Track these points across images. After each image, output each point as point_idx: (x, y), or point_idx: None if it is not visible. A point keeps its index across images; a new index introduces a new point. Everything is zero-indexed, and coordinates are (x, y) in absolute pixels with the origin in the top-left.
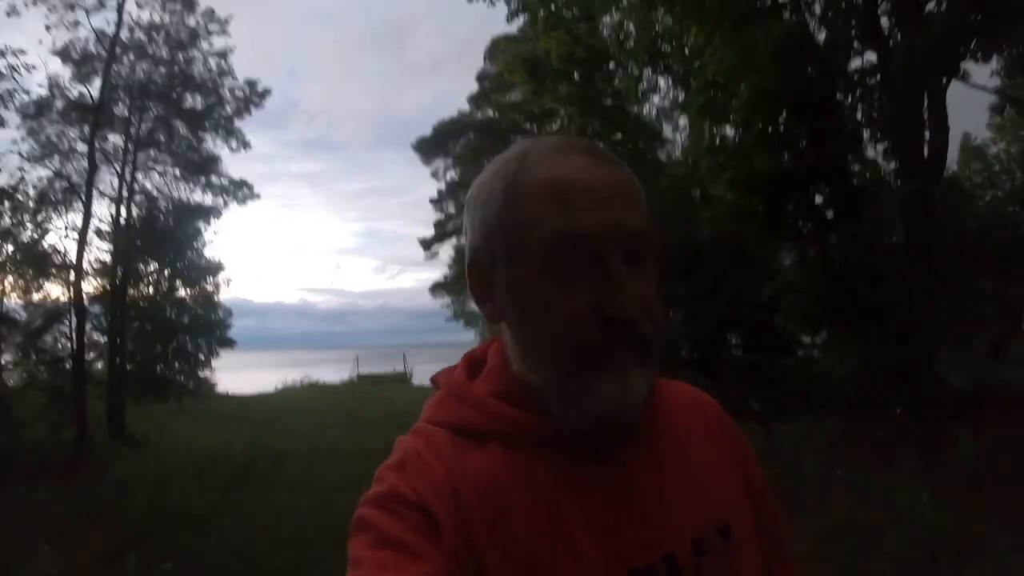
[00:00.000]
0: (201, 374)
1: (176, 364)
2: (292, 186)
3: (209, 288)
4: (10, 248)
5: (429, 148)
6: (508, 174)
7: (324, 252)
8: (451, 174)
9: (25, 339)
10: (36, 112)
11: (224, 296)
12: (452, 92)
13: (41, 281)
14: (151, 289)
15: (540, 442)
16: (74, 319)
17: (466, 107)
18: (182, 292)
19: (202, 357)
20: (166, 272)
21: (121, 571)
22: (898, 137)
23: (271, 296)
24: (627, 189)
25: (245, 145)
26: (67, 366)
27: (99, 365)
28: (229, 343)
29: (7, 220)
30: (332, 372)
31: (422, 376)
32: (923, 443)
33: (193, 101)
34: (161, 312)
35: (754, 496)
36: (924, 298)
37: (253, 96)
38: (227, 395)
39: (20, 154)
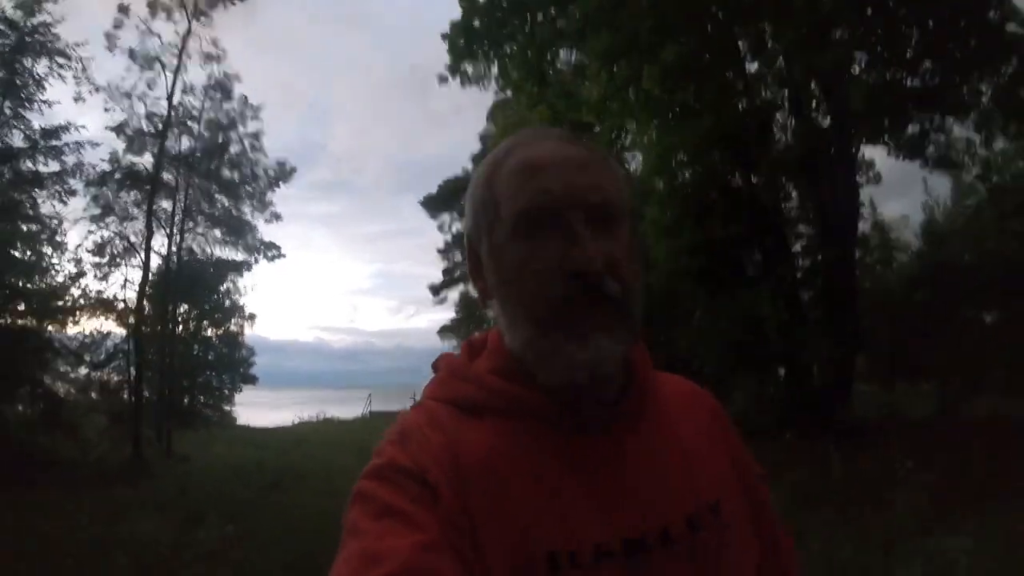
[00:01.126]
0: (225, 407)
1: (201, 398)
2: (310, 227)
3: (234, 329)
4: (76, 293)
5: (435, 204)
6: (492, 163)
7: (340, 292)
8: (456, 226)
9: (89, 371)
10: (99, 181)
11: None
12: (471, 138)
13: (102, 322)
14: (180, 328)
15: (537, 416)
16: (131, 355)
17: (469, 164)
18: (209, 332)
19: (226, 392)
20: (192, 313)
21: (197, 533)
22: (816, 211)
23: (287, 334)
24: (592, 163)
25: (276, 217)
26: (123, 395)
27: (146, 394)
28: (251, 379)
29: (72, 269)
30: (346, 410)
31: None
32: (801, 461)
33: (231, 174)
34: (190, 350)
35: (744, 481)
36: (803, 345)
37: (282, 175)
38: (248, 427)
39: (90, 218)
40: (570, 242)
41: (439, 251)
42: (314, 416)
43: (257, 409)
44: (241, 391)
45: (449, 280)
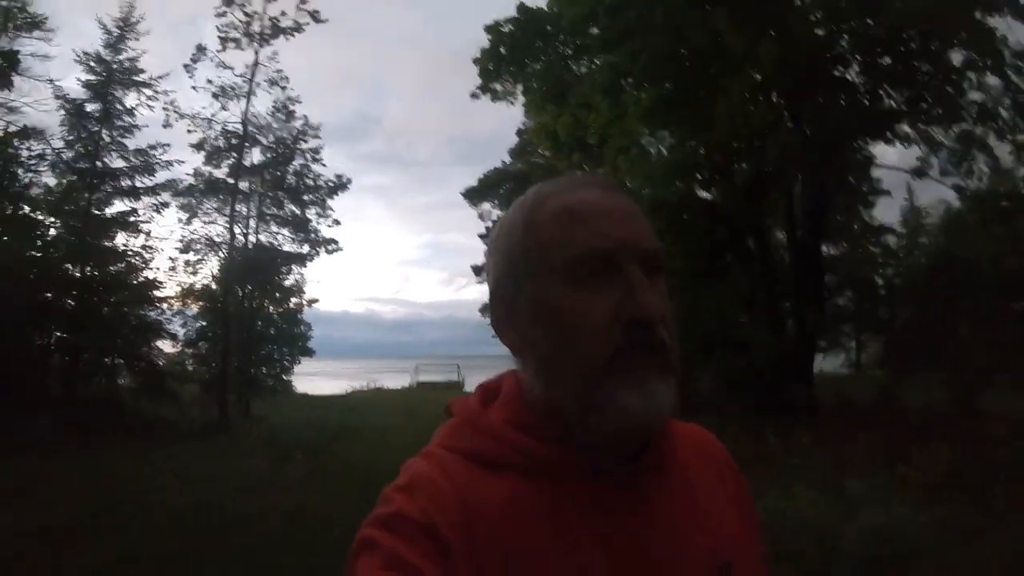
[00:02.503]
0: (285, 378)
1: (264, 369)
2: (362, 199)
3: (293, 307)
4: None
5: (475, 195)
6: (527, 208)
7: (391, 263)
8: (495, 213)
9: (184, 346)
10: (187, 192)
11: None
12: (519, 112)
13: (192, 304)
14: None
15: (555, 472)
16: (220, 334)
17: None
18: (271, 310)
19: (287, 363)
20: (260, 297)
21: (286, 467)
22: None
23: (338, 306)
24: (638, 213)
25: (336, 222)
26: (212, 365)
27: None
28: (309, 352)
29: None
30: (396, 380)
31: (472, 384)
32: (738, 433)
33: (296, 183)
34: (257, 327)
35: (753, 535)
36: (751, 336)
37: (339, 186)
38: (307, 395)
39: (179, 219)
40: (628, 290)
41: (480, 236)
42: (365, 386)
43: (313, 380)
44: (300, 363)
45: None
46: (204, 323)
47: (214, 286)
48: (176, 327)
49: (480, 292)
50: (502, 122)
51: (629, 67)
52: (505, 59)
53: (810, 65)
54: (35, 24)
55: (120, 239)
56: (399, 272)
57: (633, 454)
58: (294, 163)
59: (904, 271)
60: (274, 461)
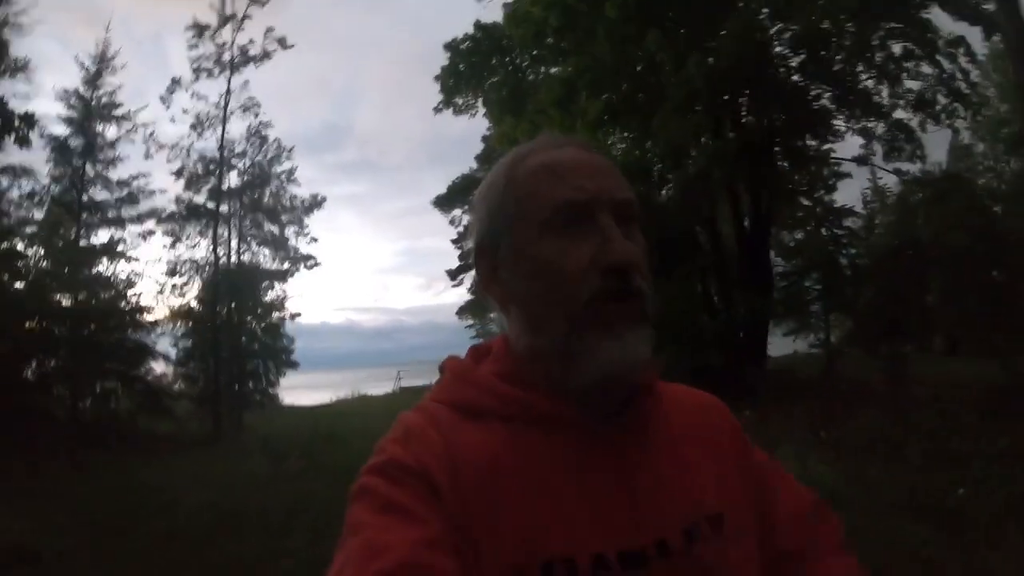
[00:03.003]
0: (271, 391)
1: (251, 383)
2: (336, 210)
3: (276, 322)
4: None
5: (445, 202)
6: (507, 166)
7: (368, 271)
8: (466, 218)
9: (176, 366)
10: (169, 218)
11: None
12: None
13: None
14: (235, 324)
15: (541, 421)
16: (209, 352)
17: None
18: (254, 326)
19: (272, 377)
20: (243, 313)
21: (284, 466)
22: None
23: (316, 317)
24: (612, 167)
25: (313, 240)
26: (200, 382)
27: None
28: (293, 364)
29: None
30: (379, 387)
31: None
32: None
33: (272, 204)
34: (241, 343)
35: (757, 485)
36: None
37: (314, 204)
38: (293, 406)
39: (163, 245)
40: (603, 239)
41: (452, 241)
42: (349, 395)
43: (297, 392)
44: (285, 375)
45: (464, 265)
46: (190, 342)
47: (195, 305)
48: (166, 347)
49: (458, 295)
50: (473, 123)
51: (577, 80)
52: (464, 75)
53: (736, 77)
54: (18, 69)
55: (109, 267)
56: (377, 280)
57: (617, 409)
58: (270, 185)
59: (863, 252)
60: (273, 462)
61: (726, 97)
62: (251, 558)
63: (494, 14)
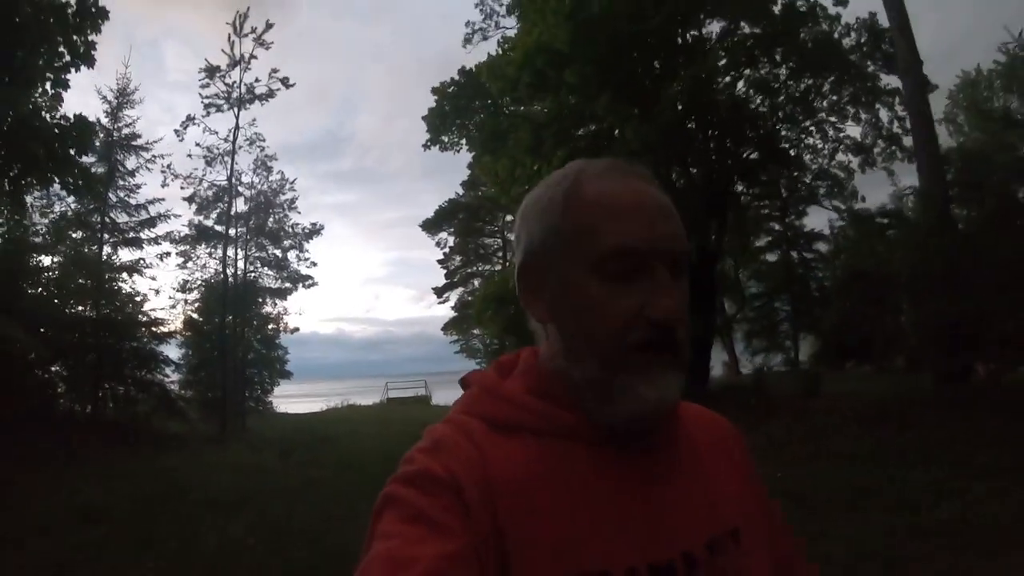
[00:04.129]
0: (265, 399)
1: (246, 392)
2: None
3: (270, 333)
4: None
5: (432, 225)
6: (567, 186)
7: (359, 281)
8: (451, 241)
9: (188, 372)
10: (183, 240)
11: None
12: None
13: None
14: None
15: (571, 437)
16: (219, 362)
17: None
18: (254, 337)
19: (267, 385)
20: (244, 326)
21: (291, 459)
22: None
23: (307, 327)
24: (673, 212)
25: (313, 264)
26: (205, 389)
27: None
28: (287, 374)
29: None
30: (367, 397)
31: (439, 398)
32: None
33: (275, 228)
34: (241, 352)
35: (761, 508)
36: None
37: (313, 233)
38: (287, 413)
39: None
40: (653, 291)
41: (439, 261)
42: (340, 404)
43: (288, 400)
44: (279, 384)
45: (450, 284)
46: (200, 352)
47: (203, 319)
48: (177, 355)
49: (446, 311)
50: None
51: (544, 131)
52: (449, 115)
53: (669, 137)
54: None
55: (129, 283)
56: (368, 290)
57: (648, 428)
58: (274, 212)
59: (830, 275)
60: (280, 455)
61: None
62: (277, 517)
63: (480, 55)
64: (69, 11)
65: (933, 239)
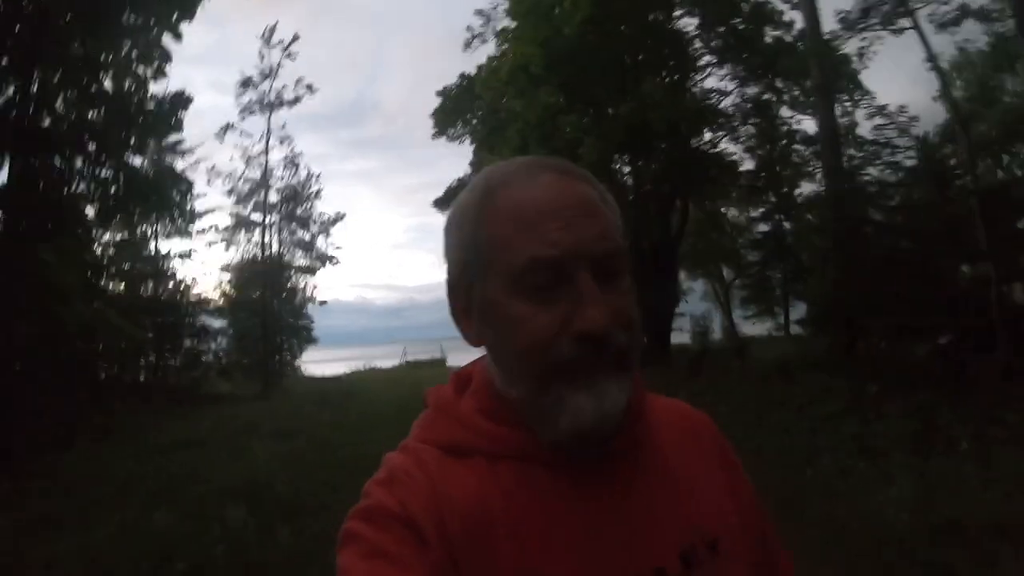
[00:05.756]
0: (295, 363)
1: (276, 357)
2: (348, 184)
3: (299, 304)
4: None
5: (442, 203)
6: (480, 195)
7: (381, 248)
8: None
9: (235, 341)
10: (226, 230)
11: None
12: None
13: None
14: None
15: (525, 458)
16: (260, 331)
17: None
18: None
19: (296, 351)
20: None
21: (326, 408)
22: None
23: (330, 295)
24: (594, 206)
25: (338, 249)
26: (252, 355)
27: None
28: (314, 340)
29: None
30: (387, 361)
31: (454, 360)
32: None
33: (304, 214)
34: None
35: (743, 509)
36: None
37: (337, 219)
38: (312, 376)
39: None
40: (577, 301)
41: None
42: (361, 367)
43: (314, 364)
44: (307, 349)
45: None
46: (243, 324)
47: (235, 293)
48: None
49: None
50: None
51: (528, 134)
52: (452, 113)
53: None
54: None
55: (182, 267)
56: (392, 257)
57: (598, 443)
58: (302, 203)
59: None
60: (316, 406)
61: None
62: (322, 439)
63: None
64: None
65: (833, 235)
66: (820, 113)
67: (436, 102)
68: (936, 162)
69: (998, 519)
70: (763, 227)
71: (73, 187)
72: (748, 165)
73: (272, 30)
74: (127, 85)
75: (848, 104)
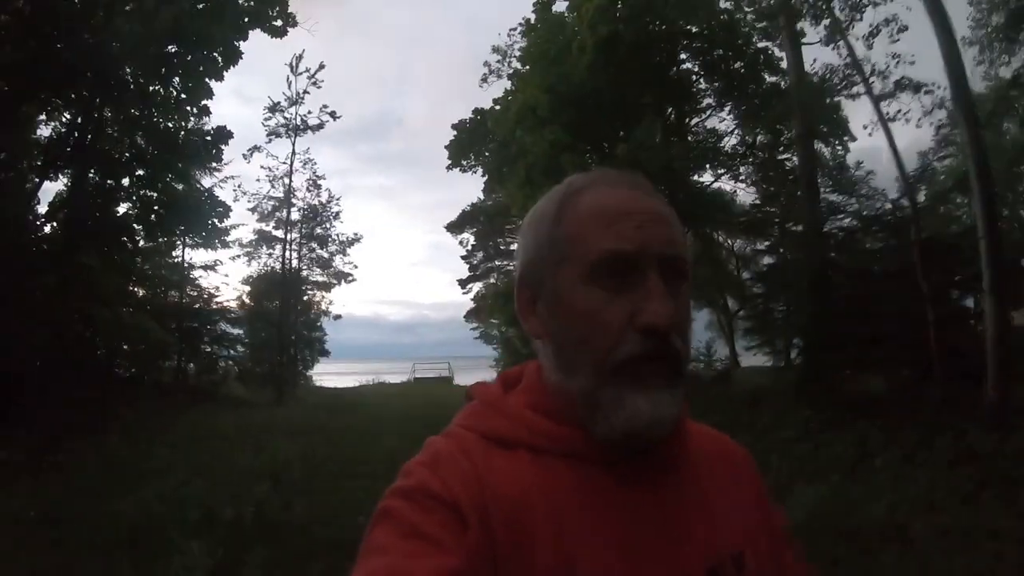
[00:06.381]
0: (307, 373)
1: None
2: (368, 200)
3: (312, 317)
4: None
5: (456, 227)
6: (561, 199)
7: (398, 265)
8: (472, 240)
9: (251, 350)
10: (249, 245)
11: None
12: None
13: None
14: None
15: (570, 455)
16: (276, 342)
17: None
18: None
19: (308, 362)
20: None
21: (337, 415)
22: None
23: (342, 309)
24: (665, 217)
25: (355, 267)
26: (268, 363)
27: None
28: (326, 353)
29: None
30: (396, 377)
31: (461, 379)
32: None
33: (323, 233)
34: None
35: (772, 535)
36: None
37: (354, 241)
38: (322, 387)
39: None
40: (644, 296)
41: (462, 257)
42: (371, 381)
43: (325, 376)
44: (319, 362)
45: (472, 276)
46: (261, 333)
47: (252, 304)
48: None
49: (467, 299)
50: None
51: (532, 169)
52: (466, 146)
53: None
54: None
55: (206, 278)
56: (408, 273)
57: (647, 447)
58: (322, 223)
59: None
60: (328, 413)
61: None
62: (337, 435)
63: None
64: None
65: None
66: (799, 157)
67: (459, 118)
68: (893, 212)
69: (881, 526)
70: (768, 260)
71: (122, 206)
72: (752, 199)
73: (300, 57)
74: (175, 121)
75: (830, 150)
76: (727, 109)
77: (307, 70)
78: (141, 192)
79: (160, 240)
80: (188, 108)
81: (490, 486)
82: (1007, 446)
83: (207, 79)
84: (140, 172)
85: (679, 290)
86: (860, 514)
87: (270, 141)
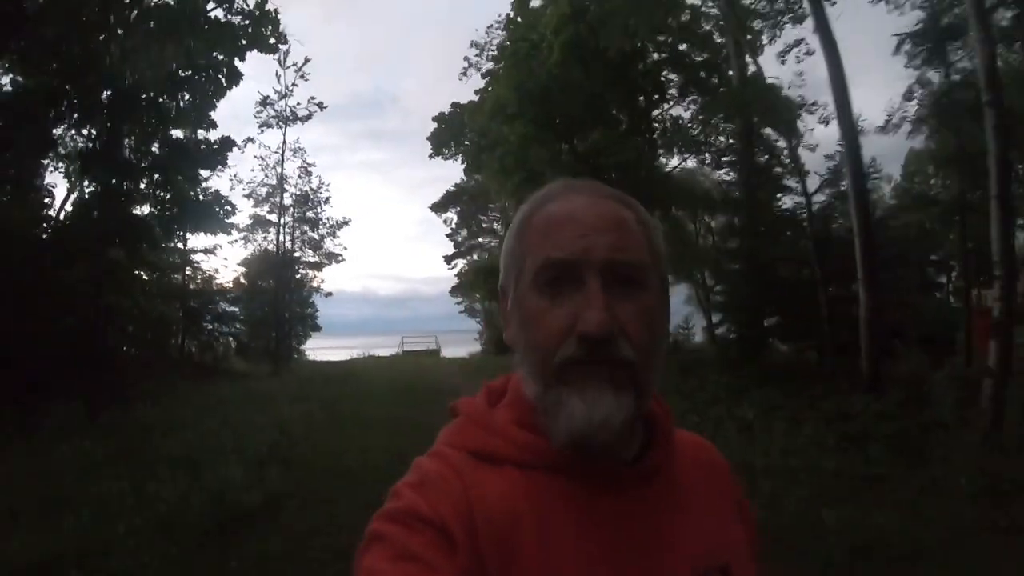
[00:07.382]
0: (300, 347)
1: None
2: (359, 174)
3: (305, 293)
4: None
5: (440, 206)
6: (526, 212)
7: (390, 239)
8: (455, 219)
9: (249, 326)
10: (245, 229)
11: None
12: None
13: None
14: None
15: (555, 468)
16: (274, 319)
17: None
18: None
19: (300, 337)
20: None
21: (329, 384)
22: None
23: (333, 286)
24: (619, 222)
25: (345, 248)
26: (264, 338)
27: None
28: (317, 328)
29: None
30: (386, 350)
31: (447, 352)
32: None
33: (313, 217)
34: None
35: (750, 543)
36: None
37: (343, 224)
38: (316, 360)
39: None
40: (583, 303)
41: (447, 235)
42: (361, 354)
43: (317, 350)
44: (312, 336)
45: (456, 253)
46: (258, 310)
47: (247, 284)
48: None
49: (453, 275)
50: None
51: (504, 159)
52: (446, 136)
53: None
54: None
55: (206, 260)
56: (403, 248)
57: (633, 458)
58: (312, 208)
59: None
60: (322, 383)
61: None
62: (330, 401)
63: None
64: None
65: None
66: (739, 153)
67: (452, 96)
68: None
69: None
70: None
71: (140, 207)
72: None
73: (287, 52)
74: (186, 132)
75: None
76: (688, 100)
77: (294, 64)
78: (158, 193)
79: (177, 236)
80: (197, 121)
81: (478, 504)
82: (872, 408)
83: (213, 98)
84: (156, 176)
85: (633, 298)
86: (738, 460)
87: (262, 132)
